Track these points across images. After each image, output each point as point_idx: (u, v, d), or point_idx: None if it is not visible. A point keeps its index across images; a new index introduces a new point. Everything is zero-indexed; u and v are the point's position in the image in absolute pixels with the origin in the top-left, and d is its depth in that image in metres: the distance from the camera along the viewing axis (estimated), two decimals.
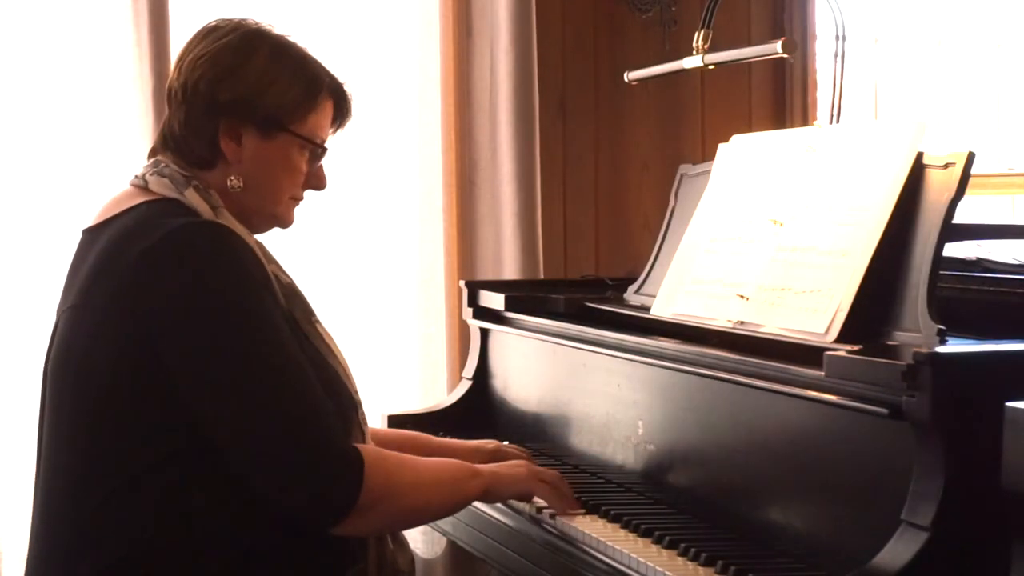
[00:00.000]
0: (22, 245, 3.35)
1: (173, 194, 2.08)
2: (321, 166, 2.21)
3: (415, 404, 3.51)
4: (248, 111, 2.10)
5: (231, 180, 2.12)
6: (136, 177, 2.14)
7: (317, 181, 2.22)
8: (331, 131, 2.21)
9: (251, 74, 2.10)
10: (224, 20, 2.16)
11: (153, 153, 2.17)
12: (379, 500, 2.03)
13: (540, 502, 2.35)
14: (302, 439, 1.98)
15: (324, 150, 2.19)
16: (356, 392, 2.16)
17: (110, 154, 3.35)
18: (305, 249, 3.47)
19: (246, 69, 2.10)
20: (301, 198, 2.21)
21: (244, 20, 2.16)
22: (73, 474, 2.04)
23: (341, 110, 2.21)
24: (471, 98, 3.69)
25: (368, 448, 2.07)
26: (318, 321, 2.15)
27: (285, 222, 2.21)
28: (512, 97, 3.62)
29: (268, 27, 2.16)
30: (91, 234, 2.13)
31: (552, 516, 2.30)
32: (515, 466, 2.33)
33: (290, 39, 2.17)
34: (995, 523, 1.59)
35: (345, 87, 2.20)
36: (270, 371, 1.98)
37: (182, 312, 1.97)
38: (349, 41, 3.58)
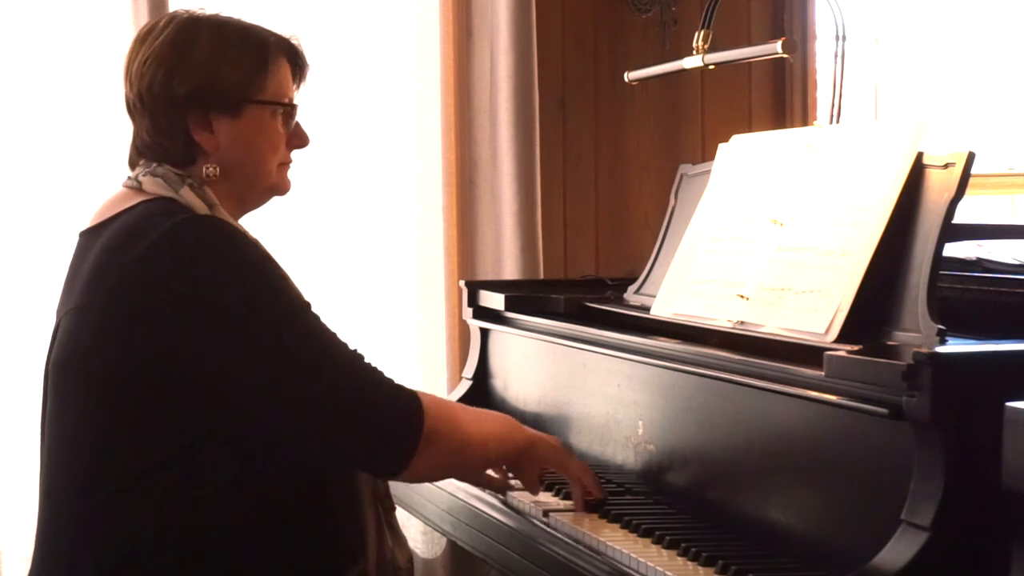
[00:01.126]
0: (19, 248, 3.35)
1: (168, 193, 2.08)
2: (298, 123, 2.21)
3: None
4: (209, 97, 2.10)
5: (206, 169, 2.12)
6: (129, 179, 2.15)
7: (299, 140, 2.22)
8: (295, 87, 2.21)
9: (199, 61, 2.10)
10: (155, 19, 2.17)
11: (133, 164, 2.18)
12: (441, 428, 2.06)
13: (547, 503, 2.35)
14: (356, 383, 2.01)
15: (295, 107, 2.20)
16: None
17: (109, 155, 3.34)
18: (305, 249, 3.47)
19: (192, 58, 2.10)
20: (290, 161, 2.22)
21: (175, 12, 2.17)
22: (75, 474, 2.04)
23: (297, 64, 2.21)
24: (471, 98, 3.69)
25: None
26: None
27: (282, 189, 2.22)
28: (512, 97, 3.62)
29: (200, 10, 2.17)
30: (89, 236, 2.13)
31: (545, 514, 2.30)
32: (551, 437, 2.35)
33: (225, 15, 2.17)
34: (995, 523, 1.59)
35: (293, 40, 2.21)
36: (300, 336, 2.00)
37: (195, 307, 1.97)
38: (349, 41, 3.59)
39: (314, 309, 2.13)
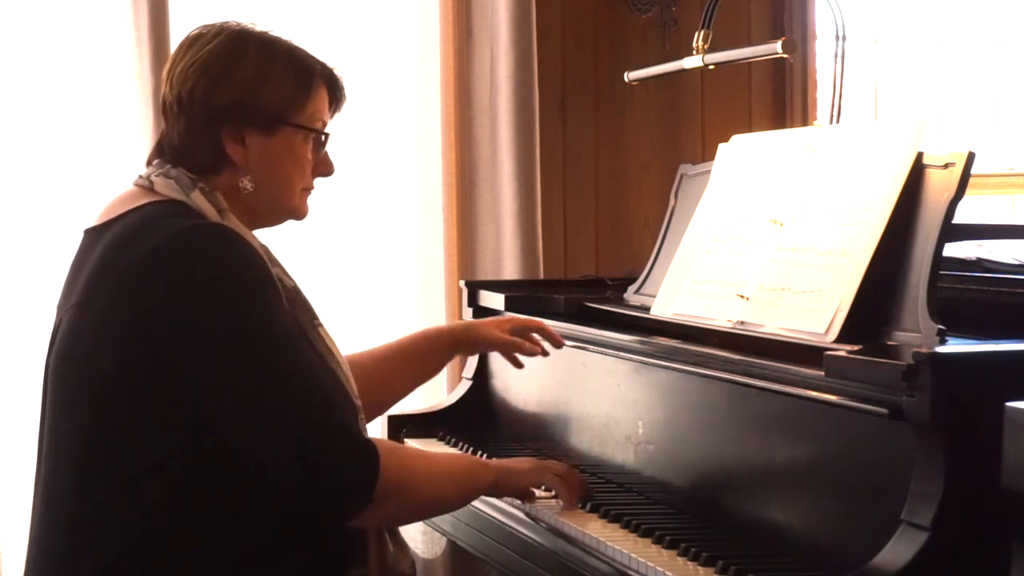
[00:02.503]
0: (22, 245, 3.35)
1: (179, 196, 2.08)
2: (327, 152, 2.22)
3: (415, 404, 3.50)
4: (247, 111, 2.10)
5: (243, 182, 2.12)
6: (141, 178, 2.14)
7: (325, 167, 2.22)
8: (329, 116, 2.22)
9: (243, 75, 2.10)
10: (207, 26, 2.16)
11: (150, 162, 2.17)
12: (395, 491, 2.04)
13: (547, 501, 2.35)
14: (320, 431, 1.99)
15: (327, 136, 2.20)
16: (356, 396, 2.16)
17: (110, 154, 3.35)
18: (305, 249, 3.47)
19: (238, 71, 2.10)
20: (312, 187, 2.22)
21: (226, 23, 2.16)
22: (73, 473, 2.04)
23: (335, 94, 2.21)
24: (471, 98, 3.69)
25: (382, 441, 2.09)
26: (320, 325, 2.15)
27: (300, 214, 2.22)
28: (512, 97, 3.62)
29: (251, 25, 2.16)
30: (94, 234, 2.13)
31: (538, 511, 2.31)
32: (523, 460, 2.37)
33: (274, 33, 2.17)
34: (995, 523, 1.59)
35: (336, 71, 2.21)
36: (282, 366, 1.99)
37: (189, 313, 1.97)
38: (349, 42, 3.59)
39: (322, 324, 2.14)
